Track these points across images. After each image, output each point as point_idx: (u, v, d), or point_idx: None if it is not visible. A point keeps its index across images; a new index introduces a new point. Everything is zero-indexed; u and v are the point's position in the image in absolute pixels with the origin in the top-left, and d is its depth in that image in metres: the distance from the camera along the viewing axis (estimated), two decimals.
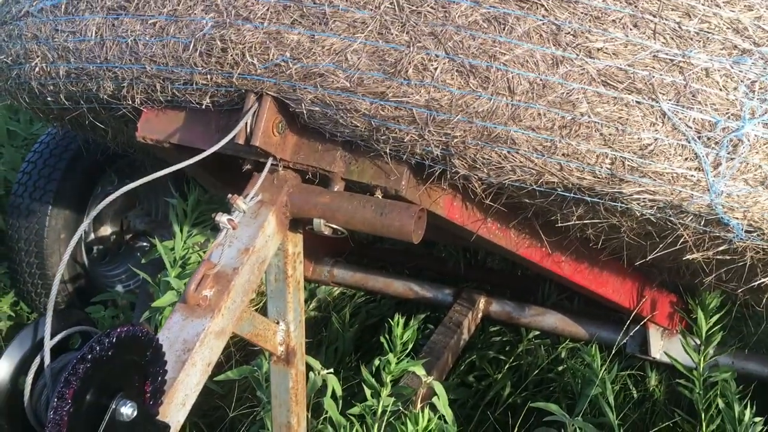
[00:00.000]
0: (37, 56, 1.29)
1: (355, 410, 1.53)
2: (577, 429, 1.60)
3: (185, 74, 1.06)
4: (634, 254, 1.43)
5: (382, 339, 1.47)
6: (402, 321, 1.47)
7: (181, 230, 1.94)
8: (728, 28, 0.95)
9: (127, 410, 0.77)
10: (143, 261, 2.25)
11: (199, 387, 0.97)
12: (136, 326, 0.80)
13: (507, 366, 2.25)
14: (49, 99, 1.35)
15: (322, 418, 1.66)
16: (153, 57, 1.09)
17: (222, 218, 1.02)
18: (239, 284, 1.01)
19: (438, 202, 1.12)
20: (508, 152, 0.95)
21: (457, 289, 2.24)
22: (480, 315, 2.25)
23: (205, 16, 1.03)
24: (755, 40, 0.95)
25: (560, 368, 2.20)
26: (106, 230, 2.49)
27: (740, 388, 1.72)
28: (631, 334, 2.08)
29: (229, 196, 1.05)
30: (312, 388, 1.72)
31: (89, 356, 0.73)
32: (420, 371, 1.75)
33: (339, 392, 1.68)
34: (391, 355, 1.44)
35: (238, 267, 1.01)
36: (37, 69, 1.30)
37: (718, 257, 1.12)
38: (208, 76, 1.05)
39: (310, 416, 1.70)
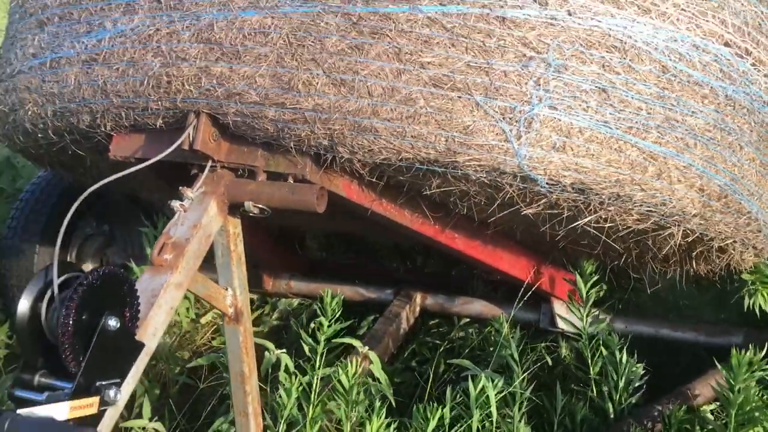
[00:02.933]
0: (29, 102, 1.68)
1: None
2: (486, 378, 1.94)
3: (142, 103, 1.46)
4: (506, 227, 1.82)
5: (316, 307, 1.85)
6: (331, 293, 1.85)
7: None
8: (519, 42, 1.37)
9: (113, 322, 1.14)
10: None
11: (165, 325, 1.34)
12: (115, 269, 1.17)
13: (442, 348, 2.62)
14: (39, 135, 1.73)
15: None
16: (118, 92, 1.48)
17: (175, 203, 1.41)
18: (191, 250, 1.39)
19: (336, 183, 1.51)
20: (374, 138, 1.35)
21: (397, 288, 2.62)
22: (417, 308, 2.63)
23: (154, 60, 1.43)
24: (537, 50, 1.36)
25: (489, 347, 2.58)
26: (88, 266, 2.84)
27: (622, 340, 2.11)
28: (542, 311, 2.47)
29: (181, 187, 1.44)
30: (267, 364, 2.09)
31: (84, 283, 1.10)
32: (357, 344, 2.13)
33: (291, 367, 2.06)
34: (323, 318, 1.81)
35: (189, 238, 1.39)
36: (29, 112, 1.69)
37: (547, 212, 1.52)
38: (159, 103, 1.44)
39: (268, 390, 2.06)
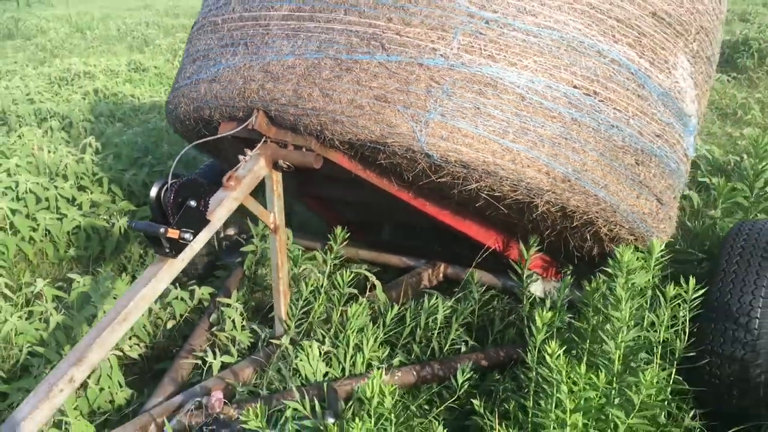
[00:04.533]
0: (182, 103, 2.97)
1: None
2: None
3: (233, 104, 2.68)
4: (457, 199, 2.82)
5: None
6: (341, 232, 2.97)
7: None
8: (428, 78, 2.42)
9: (193, 203, 2.32)
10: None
11: (225, 217, 2.51)
12: (197, 178, 2.37)
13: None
14: (186, 122, 3.02)
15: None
16: (223, 98, 2.72)
17: (242, 157, 2.60)
18: (245, 182, 2.57)
19: (332, 155, 2.62)
20: (342, 127, 2.46)
21: (429, 260, 3.66)
22: (441, 274, 3.64)
23: (239, 80, 2.65)
24: (438, 83, 2.41)
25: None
26: (230, 231, 4.13)
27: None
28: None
29: (246, 149, 2.63)
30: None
31: (181, 180, 2.29)
32: (369, 274, 3.22)
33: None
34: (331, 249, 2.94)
35: (246, 174, 2.57)
36: (182, 109, 2.98)
37: (450, 180, 2.52)
38: (240, 104, 2.65)
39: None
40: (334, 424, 2.27)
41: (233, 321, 2.97)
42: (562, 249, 3.00)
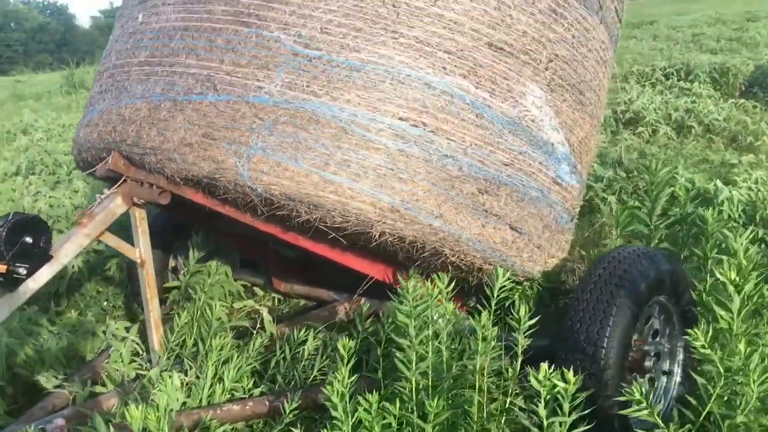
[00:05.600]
0: (73, 148, 3.17)
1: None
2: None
3: (96, 145, 2.85)
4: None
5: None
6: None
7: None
8: (253, 115, 2.51)
9: (28, 239, 2.47)
10: None
11: (73, 254, 2.65)
12: (40, 218, 2.52)
13: None
14: (80, 165, 3.21)
15: None
16: (90, 140, 2.89)
17: (99, 195, 2.75)
18: (99, 218, 2.71)
19: (183, 191, 2.73)
20: (177, 166, 2.57)
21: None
22: (357, 306, 3.67)
23: (100, 124, 2.82)
24: (262, 119, 2.50)
25: None
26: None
27: None
28: None
29: (105, 189, 2.78)
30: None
31: (17, 217, 2.45)
32: (260, 308, 3.29)
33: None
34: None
35: (100, 212, 2.72)
36: (74, 153, 3.18)
37: (284, 213, 2.57)
38: (101, 145, 2.81)
39: None
40: None
41: (120, 354, 3.09)
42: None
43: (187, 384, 2.79)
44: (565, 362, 2.56)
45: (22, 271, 2.46)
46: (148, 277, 2.89)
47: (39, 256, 2.52)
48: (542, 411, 1.71)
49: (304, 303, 4.13)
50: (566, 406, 1.74)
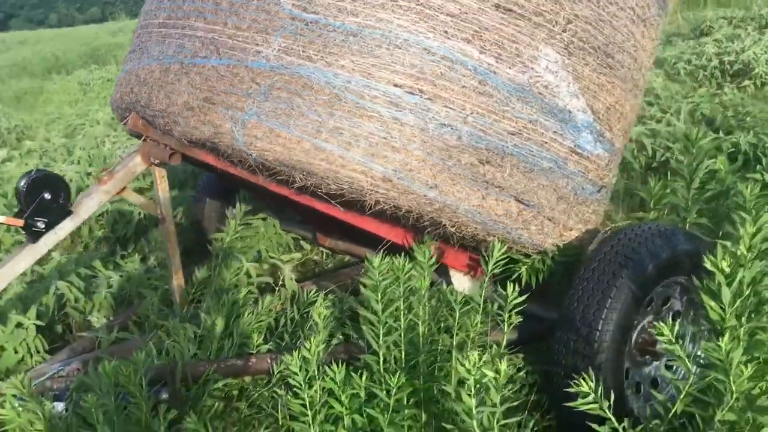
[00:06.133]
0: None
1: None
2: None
3: (120, 105, 2.97)
4: None
5: None
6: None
7: None
8: (250, 80, 2.53)
9: (47, 195, 2.64)
10: None
11: (92, 210, 2.81)
12: (58, 175, 2.68)
13: None
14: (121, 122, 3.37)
15: None
16: (116, 100, 3.01)
17: (120, 154, 2.88)
18: (119, 176, 2.84)
19: (195, 152, 2.81)
20: (183, 128, 2.64)
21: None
22: None
23: (124, 84, 2.93)
24: (258, 84, 2.51)
25: None
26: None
27: None
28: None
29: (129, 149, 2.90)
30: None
31: (37, 174, 2.62)
32: (281, 265, 3.37)
33: None
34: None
35: (120, 170, 2.85)
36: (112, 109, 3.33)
37: (287, 179, 2.60)
38: (123, 106, 2.93)
39: None
40: (163, 401, 2.49)
41: (152, 302, 3.27)
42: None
43: (199, 336, 2.92)
44: (559, 341, 2.49)
45: (41, 225, 2.64)
46: (169, 233, 3.02)
47: (57, 212, 2.68)
48: (468, 400, 1.68)
49: (348, 259, 4.19)
50: (496, 398, 1.69)
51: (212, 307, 3.10)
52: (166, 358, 2.87)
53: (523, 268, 2.78)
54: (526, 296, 2.30)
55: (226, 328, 2.89)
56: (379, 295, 2.15)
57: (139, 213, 4.63)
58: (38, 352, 3.17)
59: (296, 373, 2.06)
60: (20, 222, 2.60)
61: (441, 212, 2.56)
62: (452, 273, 3.22)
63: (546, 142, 2.65)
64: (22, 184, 2.62)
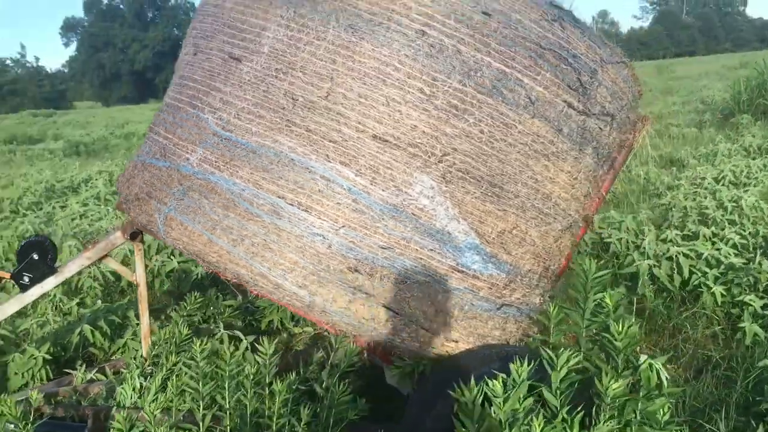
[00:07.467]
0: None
1: None
2: None
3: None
4: None
5: None
6: None
7: None
8: (177, 182, 3.10)
9: (35, 256, 3.36)
10: None
11: (74, 271, 3.49)
12: (48, 239, 3.40)
13: None
14: None
15: None
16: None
17: (106, 231, 3.56)
18: (100, 246, 3.51)
19: (148, 233, 3.42)
20: (130, 213, 3.27)
21: None
22: None
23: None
24: (181, 183, 3.07)
25: None
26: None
27: None
28: None
29: (111, 228, 3.58)
30: None
31: (30, 239, 3.36)
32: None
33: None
34: None
35: (101, 241, 3.53)
36: None
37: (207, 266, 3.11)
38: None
39: None
40: None
41: (136, 352, 3.90)
42: None
43: (142, 388, 3.47)
44: None
45: (26, 279, 3.36)
46: (141, 297, 3.63)
47: (43, 270, 3.40)
48: None
49: None
50: None
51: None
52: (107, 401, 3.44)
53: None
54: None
55: (162, 384, 3.40)
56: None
57: (197, 274, 5.35)
58: (41, 380, 3.89)
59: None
60: (7, 275, 3.34)
61: (311, 309, 2.91)
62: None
63: (421, 258, 2.92)
64: (18, 246, 3.38)
